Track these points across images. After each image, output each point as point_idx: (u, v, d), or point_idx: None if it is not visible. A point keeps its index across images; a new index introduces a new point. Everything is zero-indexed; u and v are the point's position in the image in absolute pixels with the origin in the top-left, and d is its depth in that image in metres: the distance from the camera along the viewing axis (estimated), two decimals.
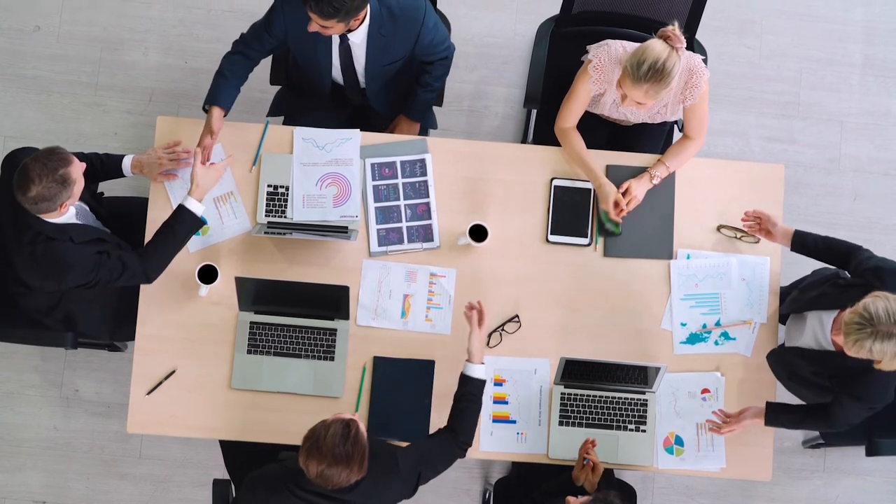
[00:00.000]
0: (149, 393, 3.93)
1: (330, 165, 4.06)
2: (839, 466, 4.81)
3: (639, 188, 3.99)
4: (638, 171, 4.05)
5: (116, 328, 4.10)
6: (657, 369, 3.82)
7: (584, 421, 3.93)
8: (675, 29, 3.63)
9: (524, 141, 4.84)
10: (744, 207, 4.05)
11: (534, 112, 4.64)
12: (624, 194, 3.98)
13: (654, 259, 4.05)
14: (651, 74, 3.57)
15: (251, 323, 3.95)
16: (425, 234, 4.04)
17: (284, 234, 3.93)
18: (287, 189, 4.05)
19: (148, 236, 3.91)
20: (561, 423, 3.93)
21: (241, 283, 3.82)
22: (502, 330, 3.98)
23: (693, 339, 4.00)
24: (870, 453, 4.15)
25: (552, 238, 4.03)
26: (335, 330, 3.95)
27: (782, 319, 4.03)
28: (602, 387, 3.94)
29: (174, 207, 3.82)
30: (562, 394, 3.94)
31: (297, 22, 3.78)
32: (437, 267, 4.01)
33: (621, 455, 3.92)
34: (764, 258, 4.03)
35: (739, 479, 4.50)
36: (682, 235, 4.06)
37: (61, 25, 5.04)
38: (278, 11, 3.86)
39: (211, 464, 4.72)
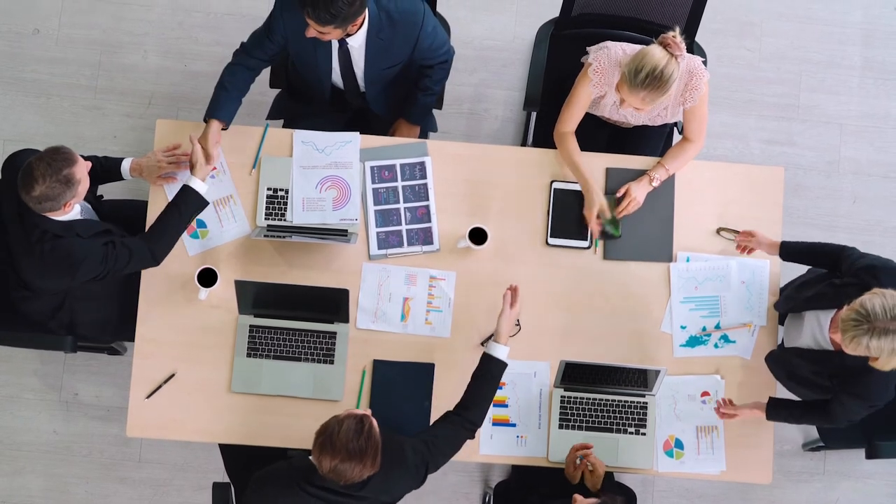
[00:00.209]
0: (148, 397, 3.93)
1: (329, 168, 4.06)
2: (839, 469, 4.81)
3: (638, 190, 3.99)
4: (637, 174, 4.05)
5: (121, 326, 4.09)
6: (657, 372, 3.82)
7: (583, 424, 3.93)
8: (675, 36, 3.61)
9: (524, 144, 4.84)
10: (744, 210, 4.05)
11: (533, 115, 4.64)
12: (623, 197, 3.98)
13: (654, 262, 4.04)
14: (649, 82, 3.57)
15: (251, 326, 3.94)
16: (425, 237, 4.04)
17: (284, 237, 3.93)
18: (287, 192, 4.04)
19: None
20: (561, 427, 3.93)
21: (240, 286, 3.82)
22: None
23: (693, 341, 4.00)
24: (870, 456, 4.15)
25: (552, 241, 4.03)
26: (335, 333, 3.94)
27: (780, 319, 4.04)
28: (602, 390, 3.94)
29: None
30: (562, 397, 3.94)
31: (297, 27, 3.78)
32: (437, 270, 4.01)
33: (621, 458, 3.92)
34: (763, 261, 4.03)
35: (739, 483, 4.50)
36: (681, 238, 4.06)
37: (60, 29, 5.04)
38: (278, 17, 3.86)
39: (210, 467, 4.72)
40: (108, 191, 4.20)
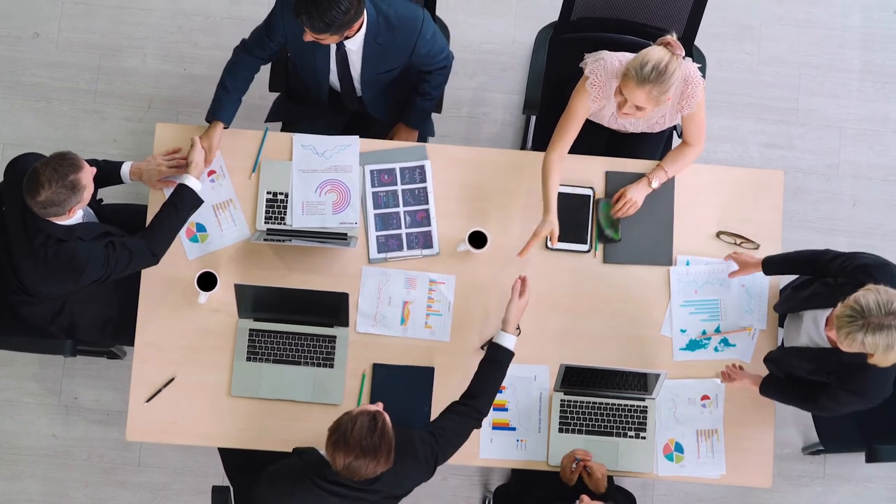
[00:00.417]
0: (148, 400, 3.92)
1: (329, 172, 4.06)
2: (839, 473, 4.81)
3: (636, 192, 3.99)
4: (637, 178, 4.05)
5: (121, 327, 4.08)
6: (657, 376, 3.82)
7: (583, 428, 3.92)
8: (674, 38, 3.67)
9: (523, 147, 4.84)
10: (743, 214, 4.05)
11: (533, 118, 4.64)
12: (619, 199, 3.99)
13: (654, 265, 4.04)
14: (655, 75, 3.58)
15: (250, 330, 3.94)
16: (425, 241, 4.04)
17: (284, 240, 3.93)
18: (286, 196, 4.04)
19: None
20: (561, 430, 3.92)
21: (240, 290, 3.82)
22: None
23: (693, 345, 4.00)
24: (869, 460, 4.15)
25: (552, 244, 4.03)
26: (334, 337, 3.94)
27: (780, 320, 4.04)
28: (602, 393, 3.94)
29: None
30: (561, 400, 3.94)
31: (296, 28, 3.79)
32: (437, 273, 4.01)
33: (621, 462, 3.92)
34: None
35: (739, 486, 4.49)
36: (681, 242, 4.06)
37: (60, 32, 5.04)
38: (278, 16, 3.87)
39: (210, 471, 4.71)
40: (108, 195, 4.20)
